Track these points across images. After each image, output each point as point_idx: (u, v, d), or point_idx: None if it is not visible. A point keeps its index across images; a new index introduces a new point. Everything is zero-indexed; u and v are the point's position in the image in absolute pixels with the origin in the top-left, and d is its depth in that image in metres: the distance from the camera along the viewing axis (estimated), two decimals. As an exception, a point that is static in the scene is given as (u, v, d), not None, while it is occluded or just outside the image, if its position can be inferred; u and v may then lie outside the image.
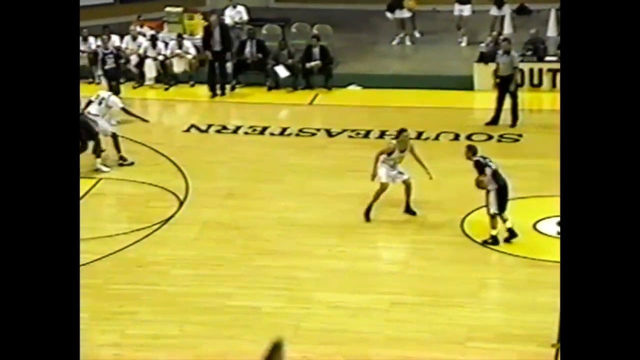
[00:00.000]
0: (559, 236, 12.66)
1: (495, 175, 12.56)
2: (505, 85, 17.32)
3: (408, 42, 22.76)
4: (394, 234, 13.28)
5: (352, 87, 20.06)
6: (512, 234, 12.77)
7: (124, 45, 20.65)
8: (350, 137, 17.27)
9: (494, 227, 12.68)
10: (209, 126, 17.93)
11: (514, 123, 17.31)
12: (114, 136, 15.94)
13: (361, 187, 14.03)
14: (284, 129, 17.67)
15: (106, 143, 15.92)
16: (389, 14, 22.59)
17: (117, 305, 11.61)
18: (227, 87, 19.65)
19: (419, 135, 17.01)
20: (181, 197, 14.70)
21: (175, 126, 18.41)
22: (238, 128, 17.79)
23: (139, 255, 12.92)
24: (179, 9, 21.73)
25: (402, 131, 13.59)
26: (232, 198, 14.71)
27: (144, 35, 20.87)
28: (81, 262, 12.36)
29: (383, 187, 13.36)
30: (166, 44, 20.56)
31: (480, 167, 12.60)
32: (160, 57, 20.35)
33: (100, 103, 16.11)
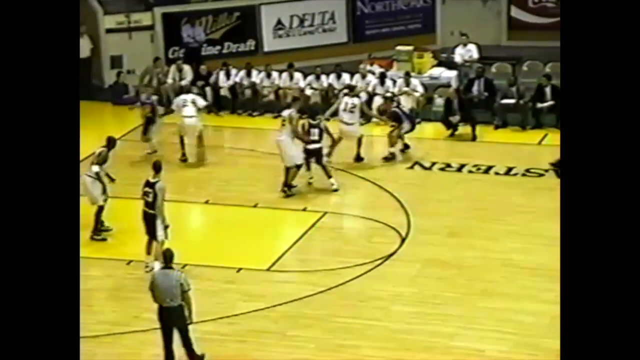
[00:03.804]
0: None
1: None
2: None
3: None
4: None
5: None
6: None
7: (353, 83, 20.97)
8: (581, 179, 16.67)
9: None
10: (433, 164, 17.83)
11: None
12: (298, 167, 16.30)
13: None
14: (510, 169, 17.31)
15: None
16: None
17: (342, 338, 11.68)
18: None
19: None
20: (403, 233, 14.68)
21: (399, 163, 18.45)
22: (462, 166, 17.60)
23: (361, 290, 12.98)
24: (410, 48, 21.83)
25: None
26: (454, 236, 14.55)
27: (373, 73, 21.12)
28: (306, 294, 12.61)
29: None
30: (394, 82, 20.71)
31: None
32: (388, 95, 20.49)
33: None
